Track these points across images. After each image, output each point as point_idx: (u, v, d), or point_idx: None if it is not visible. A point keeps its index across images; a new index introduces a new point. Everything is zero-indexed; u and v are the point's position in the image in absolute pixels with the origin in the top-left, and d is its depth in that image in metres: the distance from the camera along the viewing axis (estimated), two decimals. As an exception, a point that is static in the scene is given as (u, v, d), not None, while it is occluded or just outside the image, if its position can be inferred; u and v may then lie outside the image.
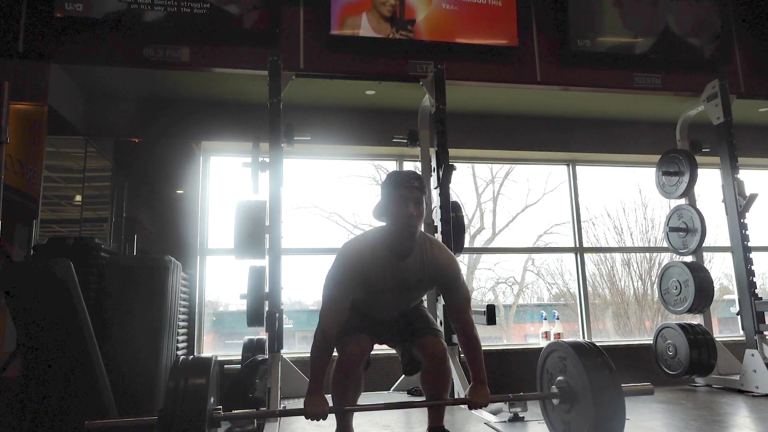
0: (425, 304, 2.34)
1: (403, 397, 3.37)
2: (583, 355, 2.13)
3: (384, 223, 2.00)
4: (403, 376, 3.57)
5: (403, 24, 3.82)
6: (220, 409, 1.97)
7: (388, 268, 1.97)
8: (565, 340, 2.27)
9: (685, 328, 3.88)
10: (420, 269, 1.99)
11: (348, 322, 2.02)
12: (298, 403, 2.54)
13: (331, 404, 1.99)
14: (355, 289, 1.98)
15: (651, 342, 4.16)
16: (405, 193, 1.90)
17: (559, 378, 2.19)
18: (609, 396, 2.02)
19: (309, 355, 1.99)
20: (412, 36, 3.82)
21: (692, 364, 3.78)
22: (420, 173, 2.01)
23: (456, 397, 3.11)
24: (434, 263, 2.00)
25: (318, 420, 1.90)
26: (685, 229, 4.20)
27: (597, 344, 2.23)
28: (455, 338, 3.30)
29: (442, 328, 3.34)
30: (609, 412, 2.01)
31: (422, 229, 2.04)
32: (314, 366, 1.95)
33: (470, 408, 2.05)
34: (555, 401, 2.20)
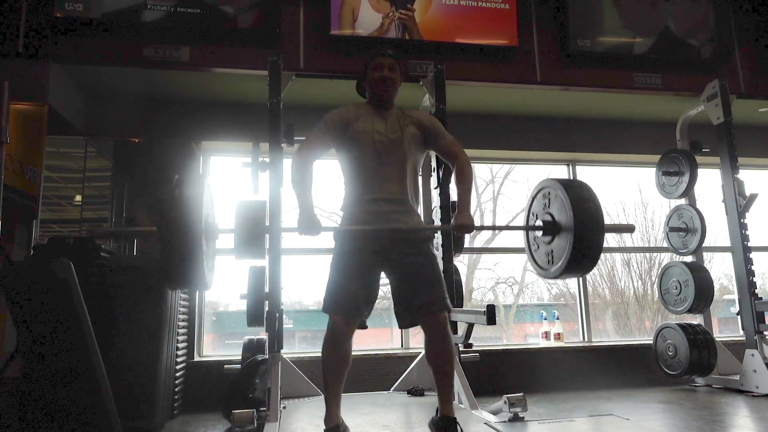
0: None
1: (403, 397, 3.37)
2: (568, 187, 2.21)
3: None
4: (403, 375, 3.58)
5: (402, 2, 3.83)
6: (216, 223, 2.09)
7: (373, 114, 2.24)
8: (553, 177, 2.37)
9: (685, 328, 3.88)
10: (404, 120, 2.24)
11: (350, 208, 2.18)
12: (299, 403, 2.55)
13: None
14: (341, 128, 2.20)
15: (651, 342, 4.16)
16: (380, 60, 2.24)
17: (545, 213, 2.29)
18: (590, 224, 2.12)
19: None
20: (412, 15, 3.82)
21: (692, 364, 3.78)
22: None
23: (456, 401, 3.10)
24: (416, 116, 2.30)
25: (310, 235, 2.08)
26: (685, 229, 4.20)
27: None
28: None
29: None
30: (589, 234, 2.10)
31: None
32: (297, 186, 2.16)
33: (456, 232, 2.18)
34: (539, 233, 2.29)
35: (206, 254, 2.11)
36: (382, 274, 2.23)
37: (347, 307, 2.09)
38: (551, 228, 2.27)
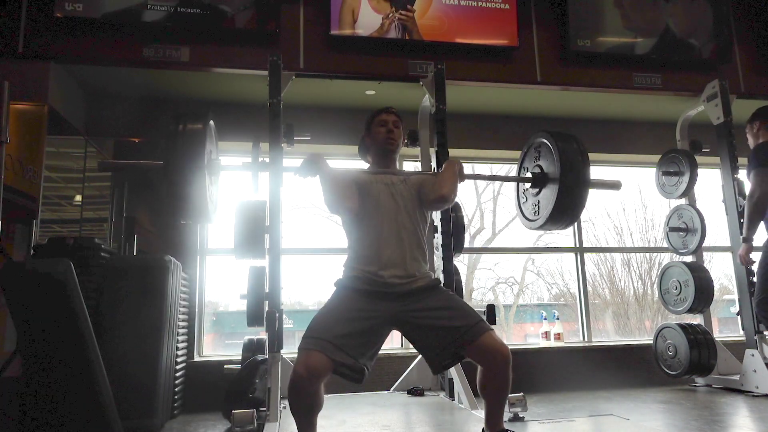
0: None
1: (403, 397, 3.37)
2: (558, 139, 2.28)
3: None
4: (403, 375, 3.57)
5: (402, 3, 3.83)
6: (219, 160, 2.26)
7: (374, 175, 2.19)
8: (546, 130, 2.47)
9: (685, 328, 3.88)
10: (402, 176, 2.20)
11: (356, 249, 2.08)
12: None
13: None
14: (350, 183, 2.13)
15: (651, 342, 4.16)
16: (384, 116, 2.24)
17: (534, 166, 2.37)
18: (575, 173, 2.21)
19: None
20: (412, 16, 3.82)
21: (692, 364, 3.78)
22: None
23: (456, 401, 3.11)
24: (413, 173, 2.27)
25: (312, 160, 2.12)
26: (685, 229, 4.20)
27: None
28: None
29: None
30: (574, 184, 2.18)
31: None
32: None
33: (446, 166, 2.21)
34: (527, 185, 2.37)
35: (209, 188, 2.27)
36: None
37: (329, 348, 1.84)
38: (539, 179, 2.35)
